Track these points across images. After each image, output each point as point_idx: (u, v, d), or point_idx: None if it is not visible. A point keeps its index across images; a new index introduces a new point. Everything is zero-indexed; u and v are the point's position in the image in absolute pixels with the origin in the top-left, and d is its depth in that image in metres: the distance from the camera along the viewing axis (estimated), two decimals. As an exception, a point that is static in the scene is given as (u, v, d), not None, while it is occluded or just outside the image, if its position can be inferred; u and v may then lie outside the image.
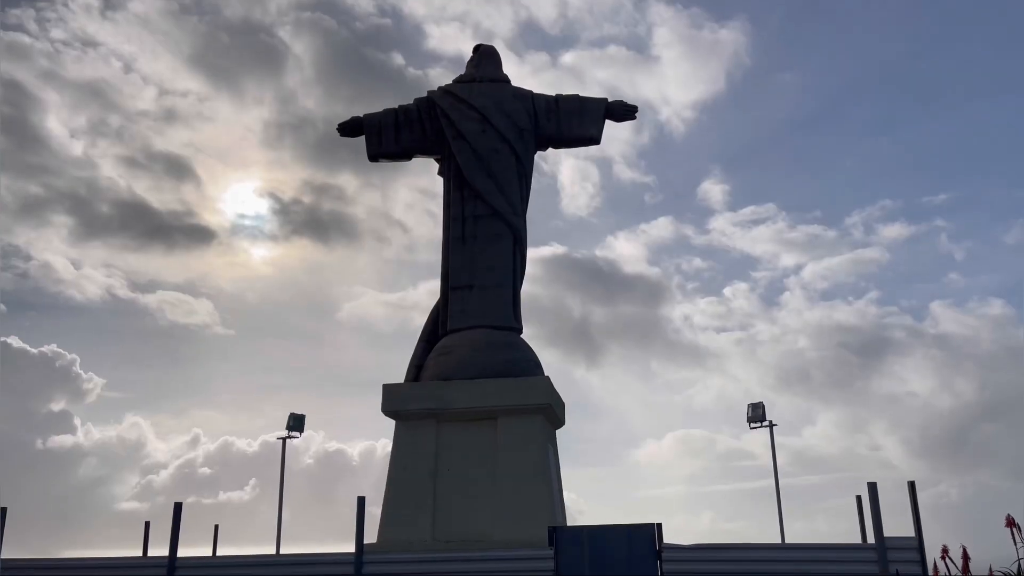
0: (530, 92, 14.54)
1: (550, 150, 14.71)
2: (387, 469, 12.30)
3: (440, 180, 14.37)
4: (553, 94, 14.53)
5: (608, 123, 14.37)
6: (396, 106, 14.68)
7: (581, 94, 14.57)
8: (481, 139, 13.80)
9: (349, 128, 14.87)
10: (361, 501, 8.59)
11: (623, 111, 14.41)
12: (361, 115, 14.82)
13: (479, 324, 13.06)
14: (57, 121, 60.64)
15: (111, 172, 63.60)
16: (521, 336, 13.37)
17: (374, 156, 14.66)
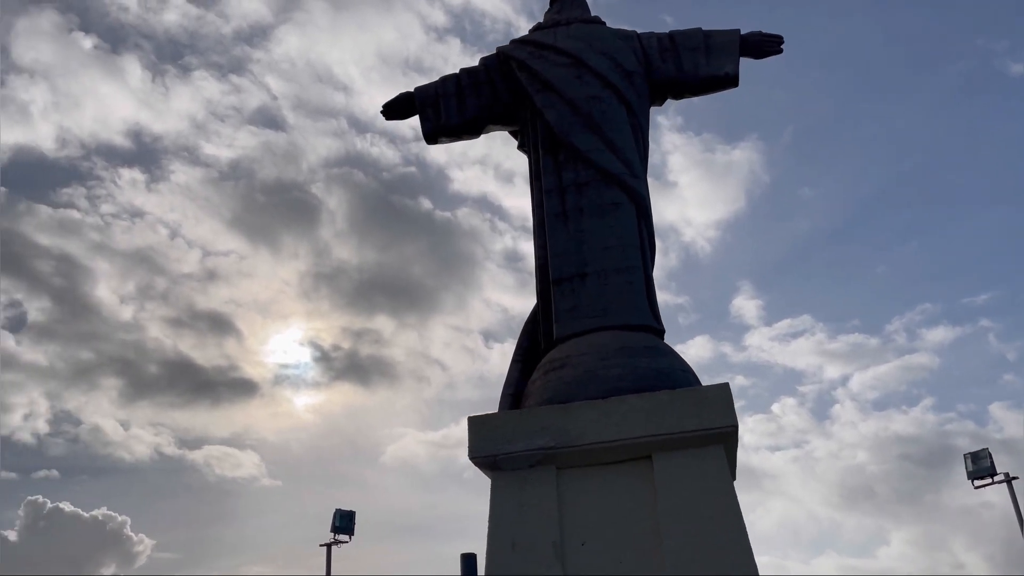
0: (634, 31, 10.38)
1: (669, 102, 10.37)
2: (484, 551, 7.40)
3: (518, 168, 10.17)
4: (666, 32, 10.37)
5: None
6: (457, 71, 10.60)
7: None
8: (577, 86, 9.50)
9: (396, 107, 10.71)
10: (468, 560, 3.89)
11: (764, 43, 10.13)
12: (411, 89, 10.76)
13: (602, 325, 8.35)
14: (107, 289, 59.62)
15: (158, 333, 61.76)
16: (664, 341, 8.62)
17: (433, 134, 10.39)
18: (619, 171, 8.96)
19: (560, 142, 9.26)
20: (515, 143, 10.55)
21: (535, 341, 8.92)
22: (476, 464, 7.59)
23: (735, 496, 6.99)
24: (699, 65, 9.78)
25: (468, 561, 3.78)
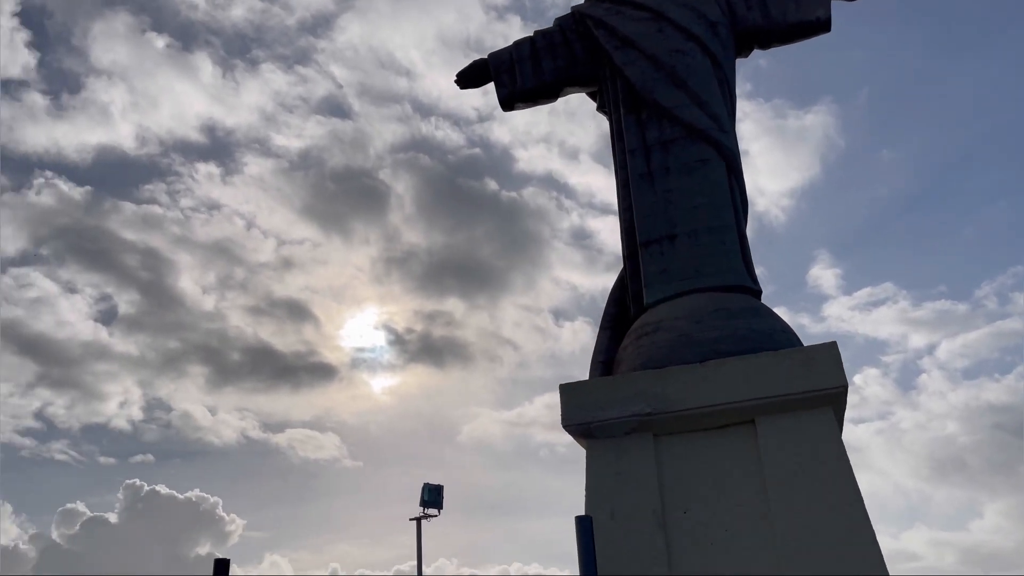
0: None
1: (755, 52, 9.85)
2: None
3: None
4: (748, -21, 9.80)
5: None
6: (531, 33, 10.29)
7: None
8: (658, 40, 9.09)
9: (470, 75, 10.46)
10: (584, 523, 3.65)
11: None
12: (485, 56, 10.51)
13: (695, 287, 7.99)
14: (190, 280, 61.43)
15: (239, 321, 63.42)
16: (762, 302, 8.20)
17: (509, 100, 10.10)
18: (706, 126, 8.54)
19: (642, 99, 8.89)
20: (593, 105, 10.22)
21: (623, 307, 8.61)
22: (569, 432, 7.36)
23: (847, 460, 6.58)
24: (787, 11, 9.23)
25: (584, 524, 3.55)
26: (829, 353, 6.82)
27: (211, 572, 3.95)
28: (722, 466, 6.88)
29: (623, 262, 8.77)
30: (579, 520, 3.57)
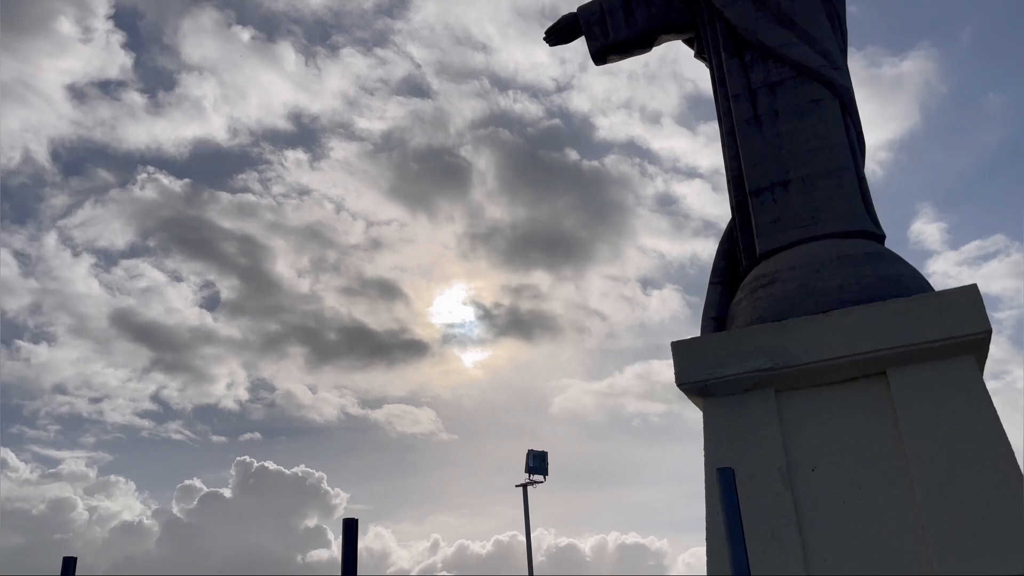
0: None
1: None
2: (704, 482, 6.88)
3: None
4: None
5: None
6: (619, -16, 9.86)
7: None
8: (759, -23, 8.57)
9: (560, 31, 10.15)
10: (728, 475, 3.40)
11: None
12: (574, 10, 10.16)
13: (812, 234, 7.53)
14: (285, 264, 63.43)
15: (333, 302, 65.20)
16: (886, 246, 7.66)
17: (601, 54, 9.76)
18: (817, 64, 8.00)
19: (745, 41, 8.39)
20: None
21: (733, 260, 8.22)
22: (684, 391, 7.06)
23: (995, 410, 6.07)
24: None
25: (726, 476, 3.30)
26: (969, 296, 6.28)
27: (340, 533, 3.90)
28: (851, 421, 6.47)
29: (731, 213, 8.36)
30: (721, 472, 3.32)
